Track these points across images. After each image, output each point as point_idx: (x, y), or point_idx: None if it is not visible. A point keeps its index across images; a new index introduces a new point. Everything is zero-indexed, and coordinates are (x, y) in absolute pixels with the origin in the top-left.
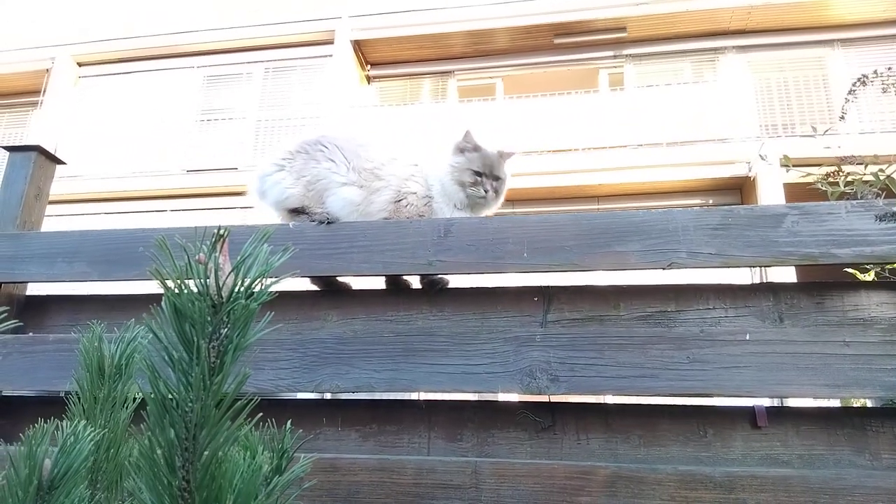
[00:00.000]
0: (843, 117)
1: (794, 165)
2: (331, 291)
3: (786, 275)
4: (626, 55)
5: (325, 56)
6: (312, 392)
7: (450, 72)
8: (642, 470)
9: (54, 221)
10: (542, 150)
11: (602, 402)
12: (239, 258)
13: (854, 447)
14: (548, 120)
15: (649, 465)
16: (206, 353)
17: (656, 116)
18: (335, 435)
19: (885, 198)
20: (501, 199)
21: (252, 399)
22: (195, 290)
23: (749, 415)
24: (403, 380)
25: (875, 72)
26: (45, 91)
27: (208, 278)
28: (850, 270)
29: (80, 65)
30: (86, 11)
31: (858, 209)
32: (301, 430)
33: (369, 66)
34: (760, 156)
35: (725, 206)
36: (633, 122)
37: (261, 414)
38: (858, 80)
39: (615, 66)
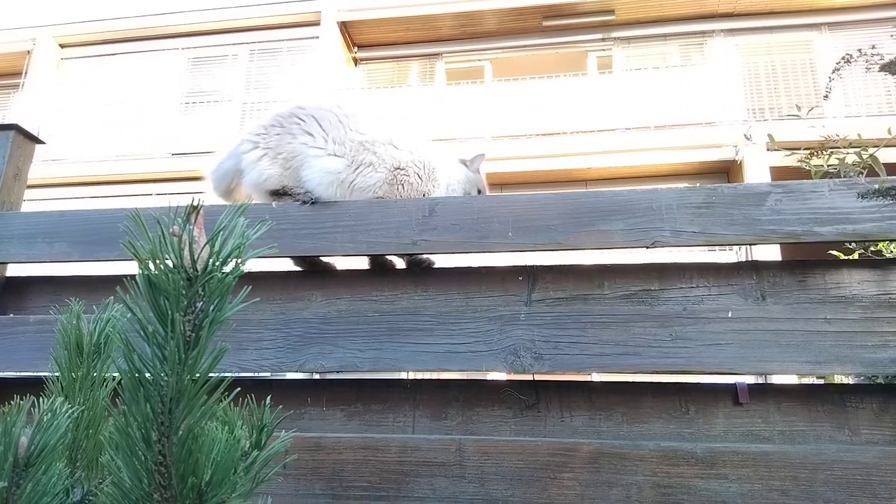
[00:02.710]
0: (827, 96)
1: (780, 149)
2: (315, 272)
3: (771, 254)
4: (615, 38)
5: (312, 38)
6: (297, 372)
7: (438, 54)
8: (625, 446)
9: (37, 206)
10: (530, 134)
11: (586, 380)
12: (214, 230)
13: (834, 423)
14: (536, 103)
15: (632, 441)
16: (182, 327)
17: (644, 100)
18: (320, 414)
19: (867, 176)
20: None
21: (229, 373)
22: (169, 263)
23: (731, 392)
24: (388, 359)
25: (859, 51)
26: (26, 73)
27: (182, 251)
28: (834, 252)
29: (62, 46)
30: None
31: (841, 187)
32: (281, 407)
33: (356, 48)
34: (746, 136)
35: (709, 186)
36: (622, 105)
37: (239, 388)
38: (843, 58)
39: (603, 50)
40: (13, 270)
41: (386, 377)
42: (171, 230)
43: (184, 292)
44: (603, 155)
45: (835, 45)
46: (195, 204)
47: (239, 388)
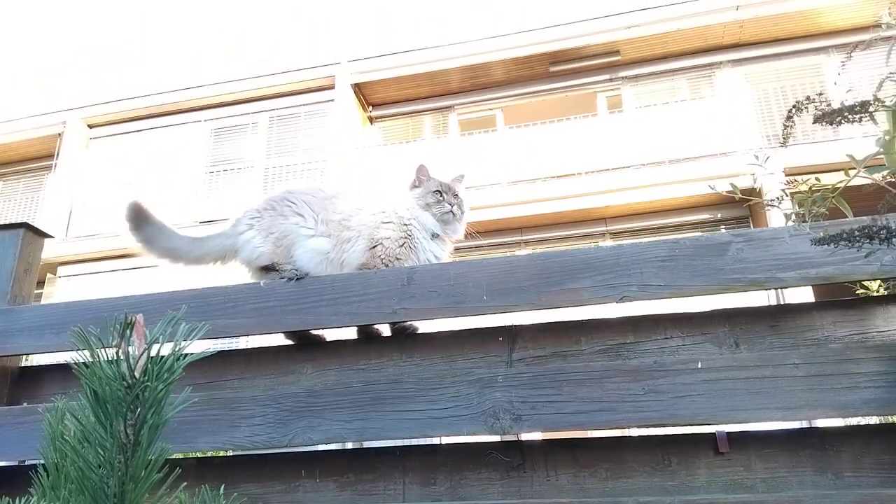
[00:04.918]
0: (784, 143)
1: (798, 174)
2: (306, 344)
3: (804, 295)
4: (622, 77)
5: (328, 101)
6: (286, 447)
7: (450, 107)
8: None
9: (74, 282)
10: (546, 177)
11: (570, 437)
12: (149, 342)
13: (816, 467)
14: (549, 146)
15: (613, 497)
16: (124, 432)
17: (657, 135)
18: (314, 486)
19: (830, 217)
20: (466, 214)
21: (173, 471)
22: (109, 372)
23: (711, 441)
24: (373, 429)
25: (808, 97)
26: (58, 154)
27: (120, 363)
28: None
29: (90, 126)
30: (93, 74)
31: (801, 232)
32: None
33: (371, 108)
34: (757, 188)
35: (672, 238)
36: (634, 142)
37: (185, 483)
38: (794, 106)
39: (612, 89)
40: (31, 359)
41: (376, 445)
42: (114, 342)
43: (124, 401)
44: (620, 192)
45: (845, 66)
46: (129, 321)
47: (185, 483)
